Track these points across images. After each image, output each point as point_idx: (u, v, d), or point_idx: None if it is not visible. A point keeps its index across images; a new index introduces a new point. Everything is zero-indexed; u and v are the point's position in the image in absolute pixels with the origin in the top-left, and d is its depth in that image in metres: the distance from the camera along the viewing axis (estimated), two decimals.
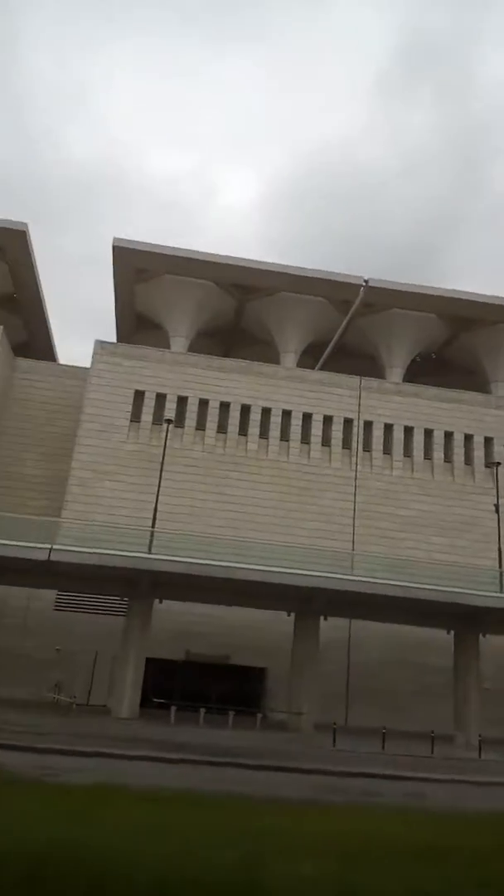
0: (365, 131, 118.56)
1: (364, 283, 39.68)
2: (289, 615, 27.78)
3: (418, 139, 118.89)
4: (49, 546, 24.72)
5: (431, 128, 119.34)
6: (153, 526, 27.89)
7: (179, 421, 35.46)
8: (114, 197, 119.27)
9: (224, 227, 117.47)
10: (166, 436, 31.95)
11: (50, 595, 30.13)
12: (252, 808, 9.71)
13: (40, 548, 24.67)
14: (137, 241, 38.41)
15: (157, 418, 35.74)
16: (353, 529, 34.20)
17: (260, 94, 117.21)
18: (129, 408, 35.90)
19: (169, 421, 32.68)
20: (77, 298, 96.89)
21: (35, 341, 44.64)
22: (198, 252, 39.42)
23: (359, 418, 37.27)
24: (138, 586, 26.50)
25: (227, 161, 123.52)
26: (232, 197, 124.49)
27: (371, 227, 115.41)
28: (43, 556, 24.66)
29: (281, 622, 28.31)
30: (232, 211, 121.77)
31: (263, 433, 36.42)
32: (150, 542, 26.44)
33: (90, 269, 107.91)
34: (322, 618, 27.58)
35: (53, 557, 24.65)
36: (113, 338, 44.81)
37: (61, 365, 41.32)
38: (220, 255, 39.58)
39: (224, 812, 9.10)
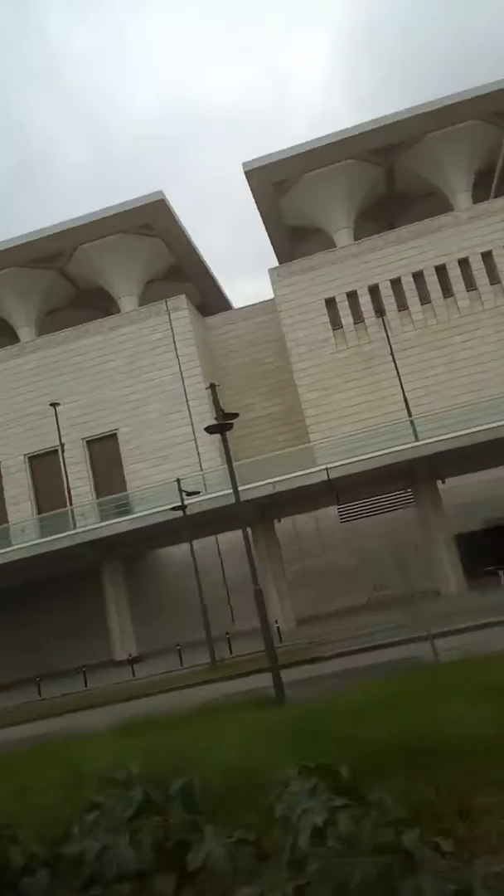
0: None
1: None
2: None
3: None
4: (325, 466, 25.77)
5: None
6: (409, 415, 27.83)
7: (379, 310, 34.54)
8: (191, 141, 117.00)
9: (313, 109, 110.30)
10: (385, 327, 31.32)
11: (331, 512, 31.58)
12: None
13: (317, 470, 25.83)
14: (266, 156, 37.34)
15: (357, 317, 35.25)
16: None
17: None
18: (326, 318, 35.73)
19: (379, 312, 31.98)
20: (208, 242, 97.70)
21: (208, 297, 45.85)
22: (326, 137, 37.44)
23: None
24: (417, 474, 26.78)
25: (286, 42, 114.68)
26: (306, 76, 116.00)
27: (463, 38, 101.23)
28: (322, 477, 25.81)
29: None
30: (313, 88, 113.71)
31: (470, 285, 34.33)
32: (414, 429, 26.45)
33: (204, 212, 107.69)
34: None
35: (332, 475, 25.67)
36: (270, 261, 44.73)
37: (246, 307, 42.00)
38: (352, 127, 37.25)
39: None
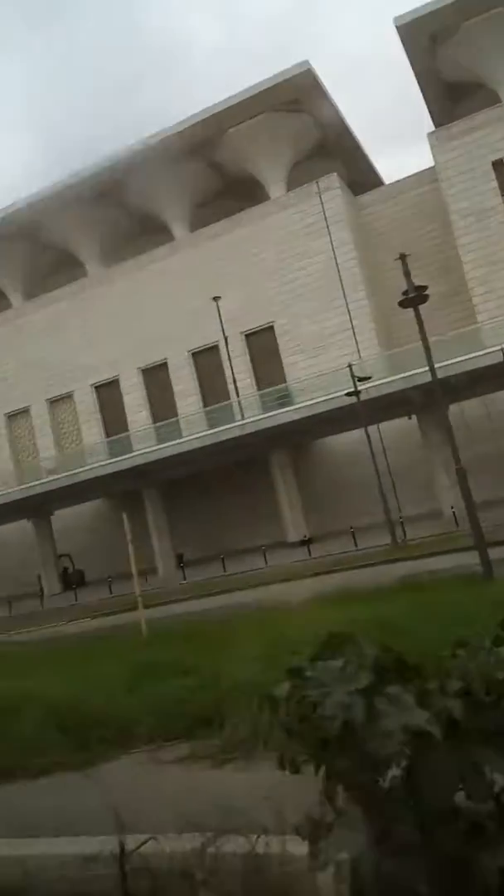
0: None
1: None
2: None
3: None
4: (500, 346, 24.60)
5: None
6: None
7: None
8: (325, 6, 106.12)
9: None
10: None
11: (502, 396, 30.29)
12: None
13: (492, 351, 24.75)
14: (420, 7, 33.52)
15: None
16: None
17: None
18: (494, 183, 32.75)
19: None
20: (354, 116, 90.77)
21: (359, 175, 43.30)
22: None
23: None
24: None
25: None
26: None
27: None
28: (496, 359, 24.70)
29: None
30: None
31: None
32: None
33: (347, 84, 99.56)
34: None
35: None
36: (426, 128, 40.97)
37: (401, 180, 39.35)
38: None
39: None
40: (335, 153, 41.19)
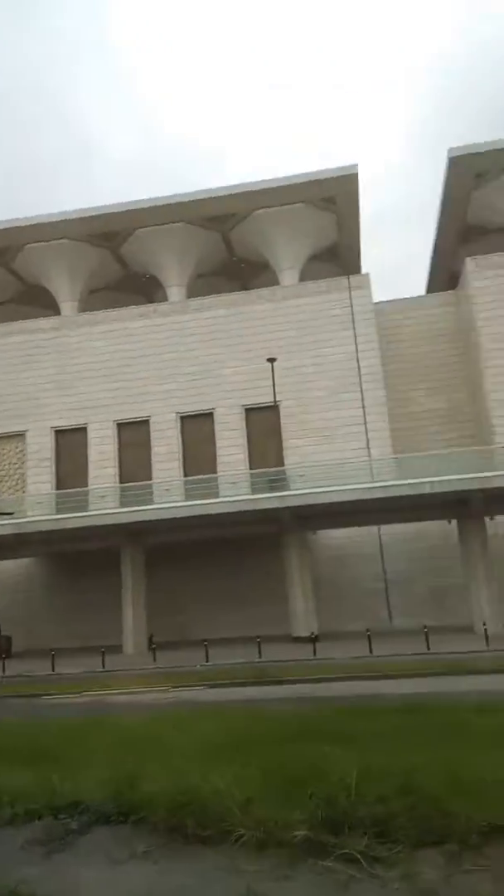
0: None
1: None
2: None
3: None
4: None
5: None
6: None
7: None
8: None
9: None
10: None
11: None
12: None
13: None
14: (478, 144, 35.64)
15: None
16: None
17: None
18: None
19: None
20: None
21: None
22: None
23: None
24: None
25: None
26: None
27: None
28: None
29: None
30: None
31: None
32: None
33: None
34: None
35: None
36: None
37: (418, 297, 40.30)
38: None
39: None
40: (341, 259, 41.90)
